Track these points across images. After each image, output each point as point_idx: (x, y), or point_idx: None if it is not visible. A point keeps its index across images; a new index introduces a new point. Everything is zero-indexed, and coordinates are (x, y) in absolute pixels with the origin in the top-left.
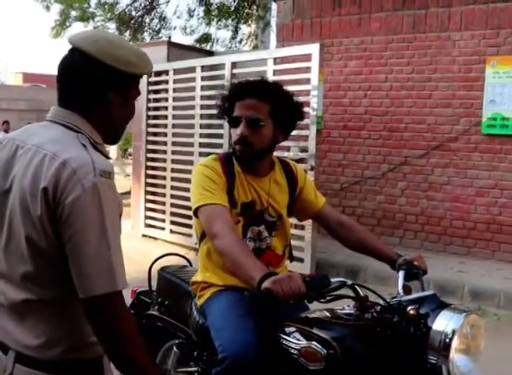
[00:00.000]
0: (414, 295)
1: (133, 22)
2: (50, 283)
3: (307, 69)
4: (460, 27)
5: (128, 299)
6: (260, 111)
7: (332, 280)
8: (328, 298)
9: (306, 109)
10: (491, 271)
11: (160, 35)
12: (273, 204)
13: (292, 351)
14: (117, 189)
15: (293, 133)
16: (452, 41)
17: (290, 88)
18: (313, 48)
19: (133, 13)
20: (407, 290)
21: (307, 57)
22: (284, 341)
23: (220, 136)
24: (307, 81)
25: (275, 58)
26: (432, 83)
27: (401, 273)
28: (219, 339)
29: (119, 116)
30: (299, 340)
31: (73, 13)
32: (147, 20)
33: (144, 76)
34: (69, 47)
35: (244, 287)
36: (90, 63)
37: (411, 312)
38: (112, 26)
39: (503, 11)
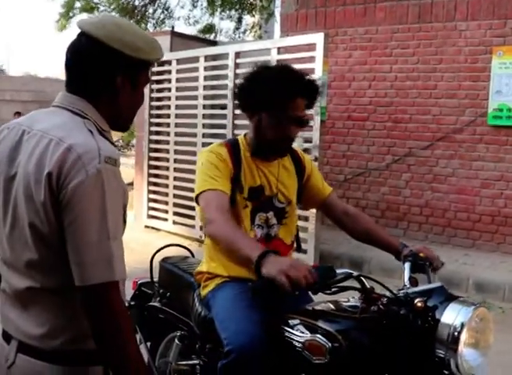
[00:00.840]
0: (421, 287)
1: (136, 12)
2: (53, 271)
3: (311, 59)
4: (466, 17)
5: (130, 291)
6: (304, 109)
7: (338, 271)
8: (333, 289)
9: None
10: (496, 264)
11: (163, 25)
12: (282, 189)
13: (296, 344)
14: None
15: None
16: (458, 31)
17: None
18: (317, 38)
19: (137, 3)
20: (414, 282)
21: (311, 47)
22: (288, 334)
23: (223, 126)
24: (311, 71)
25: (278, 48)
26: (437, 74)
27: (407, 265)
28: (225, 331)
29: (127, 102)
30: (303, 333)
31: (77, 5)
32: (151, 10)
33: None
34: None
35: (250, 278)
36: (98, 47)
37: (419, 304)
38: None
39: (510, 1)
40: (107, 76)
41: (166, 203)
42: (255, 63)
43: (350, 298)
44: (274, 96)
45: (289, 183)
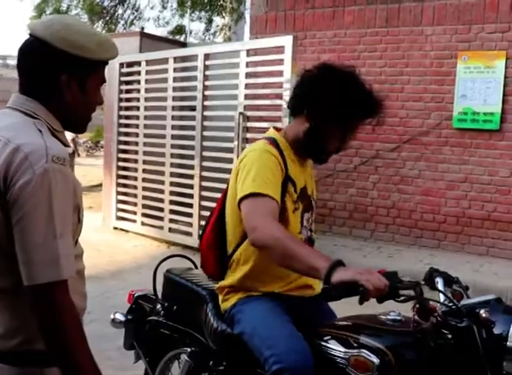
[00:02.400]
0: (476, 299)
1: (105, 12)
2: (5, 273)
3: (280, 62)
4: (432, 22)
5: (125, 304)
6: None
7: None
8: (402, 297)
9: (279, 102)
10: (460, 264)
11: (133, 26)
12: (312, 186)
13: (338, 359)
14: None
15: (266, 125)
16: (424, 36)
17: (263, 80)
18: (286, 41)
19: (106, 3)
20: (458, 295)
21: (280, 49)
22: (328, 350)
23: (192, 128)
24: (280, 73)
25: (248, 50)
26: (404, 77)
27: (440, 280)
28: (270, 348)
29: (76, 103)
30: (346, 348)
31: (48, 10)
32: (120, 11)
33: (116, 67)
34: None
35: (281, 293)
36: (43, 47)
37: (484, 314)
38: (85, 17)
39: (474, 6)
40: (51, 75)
41: (135, 204)
42: (224, 65)
43: (390, 312)
44: (350, 117)
45: (312, 182)
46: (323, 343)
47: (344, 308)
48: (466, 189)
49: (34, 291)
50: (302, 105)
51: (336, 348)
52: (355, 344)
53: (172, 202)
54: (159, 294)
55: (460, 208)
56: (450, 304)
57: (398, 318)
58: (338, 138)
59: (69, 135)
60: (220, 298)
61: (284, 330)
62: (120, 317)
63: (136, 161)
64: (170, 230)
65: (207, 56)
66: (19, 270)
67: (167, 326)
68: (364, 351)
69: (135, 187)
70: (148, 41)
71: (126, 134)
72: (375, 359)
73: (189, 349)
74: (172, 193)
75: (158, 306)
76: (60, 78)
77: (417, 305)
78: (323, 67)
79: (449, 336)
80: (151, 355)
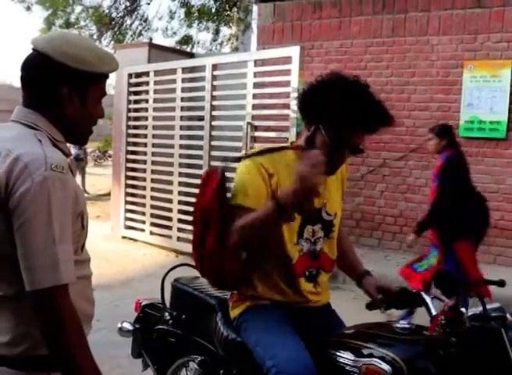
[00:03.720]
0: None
1: (113, 23)
2: (12, 279)
3: (288, 72)
4: (438, 32)
5: (132, 312)
6: (364, 138)
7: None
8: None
9: (286, 112)
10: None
11: (141, 37)
12: (330, 199)
13: (349, 368)
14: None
15: (274, 135)
16: (430, 45)
17: (270, 90)
18: (293, 51)
19: (114, 15)
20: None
21: (287, 59)
22: (339, 358)
23: (200, 137)
24: (288, 83)
25: (255, 61)
26: (410, 87)
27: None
28: (272, 358)
29: (77, 115)
30: (357, 357)
31: (57, 22)
32: (128, 22)
33: (125, 77)
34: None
35: (287, 302)
36: (44, 61)
37: (510, 318)
38: (93, 28)
39: (479, 16)
40: (53, 88)
41: (143, 214)
42: (232, 75)
43: (400, 321)
44: (341, 124)
45: (335, 195)
46: (334, 351)
47: (352, 315)
48: None
49: (36, 296)
50: (303, 112)
51: (346, 356)
52: (366, 353)
53: (180, 211)
54: (167, 303)
55: None
56: (473, 309)
57: (408, 326)
58: (335, 149)
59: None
60: (230, 304)
61: (286, 339)
62: (128, 326)
63: (144, 170)
64: (178, 238)
65: (215, 67)
66: (21, 277)
67: (175, 335)
68: (375, 359)
69: (143, 197)
70: (157, 51)
71: (135, 144)
72: (387, 368)
73: (197, 357)
74: (180, 202)
75: (166, 315)
76: (61, 90)
77: (447, 309)
78: (333, 76)
79: (462, 342)
80: (159, 363)
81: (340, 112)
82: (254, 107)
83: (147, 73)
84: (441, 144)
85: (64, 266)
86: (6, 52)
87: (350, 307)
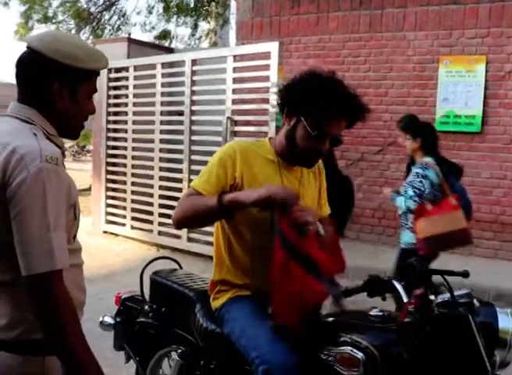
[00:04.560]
0: (455, 293)
1: (92, 18)
2: (9, 266)
3: (267, 67)
4: (414, 27)
5: (113, 306)
6: (342, 128)
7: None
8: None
9: (265, 106)
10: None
11: (120, 32)
12: (304, 194)
13: (325, 357)
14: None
15: (253, 129)
16: (407, 41)
17: (250, 85)
18: (272, 46)
19: (92, 9)
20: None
21: (266, 55)
22: (315, 347)
23: (180, 132)
24: (267, 79)
25: (234, 56)
26: (387, 82)
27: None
28: (256, 350)
29: (68, 109)
30: (332, 345)
31: (35, 16)
32: (107, 17)
33: (104, 73)
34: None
35: (268, 292)
36: (37, 58)
37: (477, 304)
38: (72, 23)
39: (454, 12)
40: (44, 83)
41: (124, 208)
42: (211, 70)
43: (373, 308)
44: (319, 113)
45: (310, 192)
46: (311, 341)
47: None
48: None
49: (32, 281)
50: (281, 107)
51: (323, 345)
52: (340, 342)
53: (161, 206)
54: (146, 296)
55: None
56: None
57: (380, 314)
58: (313, 139)
59: None
60: (211, 296)
61: (269, 330)
62: (109, 320)
63: (125, 165)
64: (159, 233)
65: (194, 62)
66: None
67: (156, 327)
68: (349, 347)
69: (124, 191)
70: (136, 46)
71: (115, 139)
72: (360, 355)
73: (178, 347)
74: (161, 196)
75: (146, 308)
76: (52, 86)
77: (416, 297)
78: (308, 72)
79: (431, 329)
80: (141, 355)
81: (321, 101)
82: (234, 102)
83: (126, 68)
84: None
85: (58, 252)
86: None
87: None
